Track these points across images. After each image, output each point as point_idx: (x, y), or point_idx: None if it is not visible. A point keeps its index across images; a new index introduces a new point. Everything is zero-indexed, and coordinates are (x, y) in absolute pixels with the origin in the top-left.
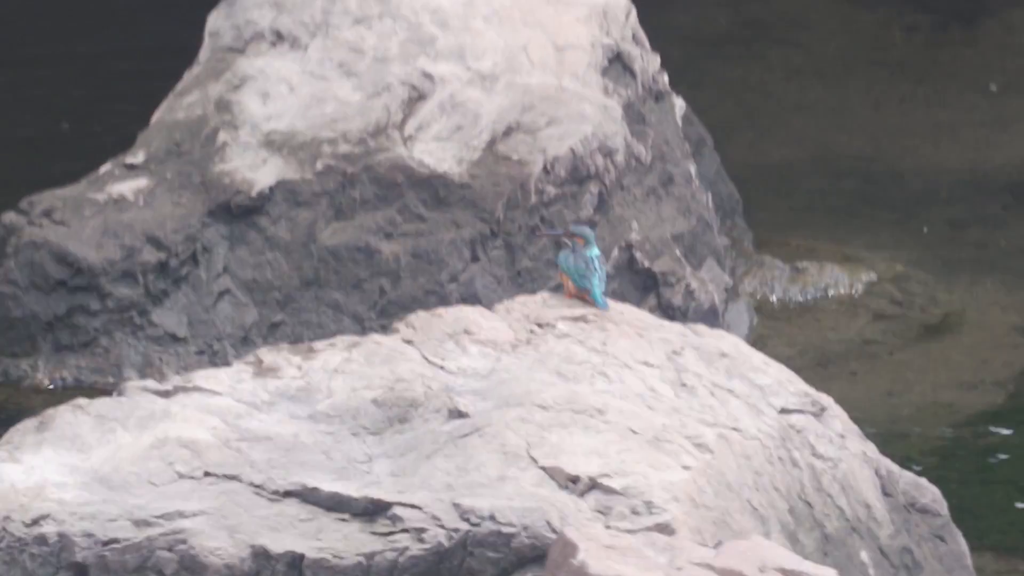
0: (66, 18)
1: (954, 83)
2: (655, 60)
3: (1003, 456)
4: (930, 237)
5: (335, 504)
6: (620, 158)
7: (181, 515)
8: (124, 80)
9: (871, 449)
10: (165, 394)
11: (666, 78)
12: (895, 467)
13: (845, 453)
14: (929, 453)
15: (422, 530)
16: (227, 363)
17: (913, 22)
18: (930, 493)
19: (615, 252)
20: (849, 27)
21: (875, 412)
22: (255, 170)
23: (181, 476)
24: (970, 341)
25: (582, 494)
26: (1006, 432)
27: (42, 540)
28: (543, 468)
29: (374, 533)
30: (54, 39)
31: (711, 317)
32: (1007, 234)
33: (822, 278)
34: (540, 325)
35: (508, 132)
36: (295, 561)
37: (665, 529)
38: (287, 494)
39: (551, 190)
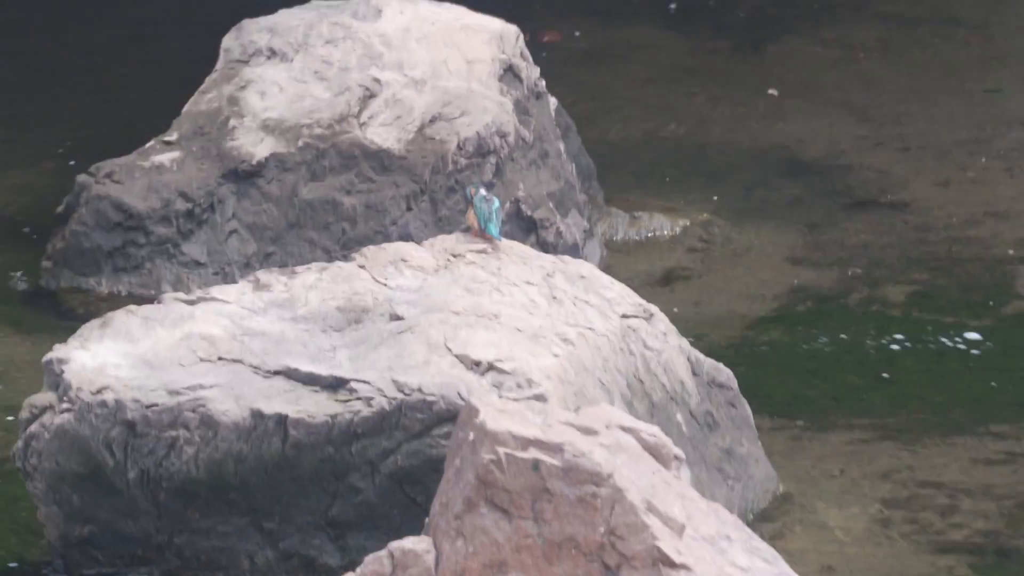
0: (119, 36)
1: (745, 88)
2: (535, 70)
3: (779, 348)
4: (727, 195)
5: (310, 380)
6: (511, 139)
7: (201, 387)
8: (163, 81)
9: (684, 343)
10: (190, 303)
11: (543, 83)
12: (701, 355)
13: (666, 346)
14: (726, 346)
15: (370, 398)
16: (234, 281)
17: (716, 45)
18: (725, 373)
19: (507, 205)
20: (673, 48)
21: (687, 317)
22: (255, 146)
23: (201, 360)
24: (754, 268)
25: (483, 374)
26: (778, 332)
27: (103, 404)
28: (456, 356)
29: (337, 400)
30: (108, 51)
31: (574, 251)
32: (782, 193)
33: (651, 223)
34: (454, 255)
35: (433, 120)
36: (281, 420)
37: (540, 398)
38: (276, 373)
39: (462, 161)
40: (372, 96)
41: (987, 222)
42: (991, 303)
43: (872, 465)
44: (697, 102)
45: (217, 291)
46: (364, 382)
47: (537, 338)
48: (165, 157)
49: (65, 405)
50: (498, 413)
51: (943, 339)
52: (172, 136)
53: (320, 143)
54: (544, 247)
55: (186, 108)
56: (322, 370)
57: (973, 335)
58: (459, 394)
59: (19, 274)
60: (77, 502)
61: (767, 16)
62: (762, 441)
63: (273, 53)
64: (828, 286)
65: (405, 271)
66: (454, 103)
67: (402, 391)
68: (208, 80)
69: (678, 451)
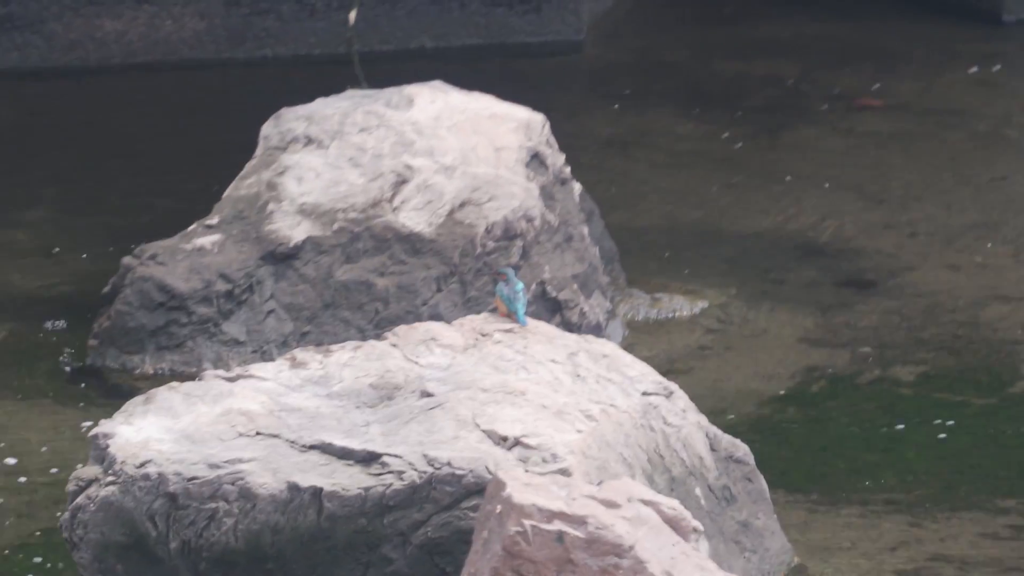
0: (160, 125)
1: (761, 175)
2: (561, 157)
3: (794, 425)
4: (744, 278)
5: (344, 454)
6: (537, 223)
7: (240, 461)
8: (204, 167)
9: (703, 420)
10: (230, 380)
11: (568, 169)
12: (719, 431)
13: (686, 422)
14: (743, 423)
15: (402, 472)
16: (272, 359)
17: (734, 133)
18: (742, 449)
19: (533, 286)
20: (693, 136)
21: (706, 395)
22: (292, 229)
23: (240, 435)
24: (769, 348)
25: (509, 448)
26: (793, 410)
27: (146, 477)
28: (484, 431)
29: (370, 474)
30: (150, 139)
31: (597, 331)
32: (796, 276)
33: (671, 305)
34: (482, 335)
35: (462, 205)
36: (317, 492)
37: (565, 473)
38: (311, 447)
39: (491, 244)
40: (404, 182)
41: (994, 305)
42: (997, 383)
43: (883, 539)
44: (715, 188)
45: (256, 369)
46: (396, 456)
47: (562, 414)
48: (206, 240)
49: (110, 478)
50: (524, 486)
51: (950, 418)
52: (213, 220)
53: (354, 227)
54: (568, 327)
55: (227, 193)
56: (356, 444)
57: (979, 414)
58: (487, 468)
59: (67, 352)
60: (121, 571)
61: (783, 105)
62: (778, 514)
63: (310, 140)
64: (840, 366)
65: (435, 350)
66: (483, 188)
67: (432, 465)
68: (248, 166)
69: (697, 524)
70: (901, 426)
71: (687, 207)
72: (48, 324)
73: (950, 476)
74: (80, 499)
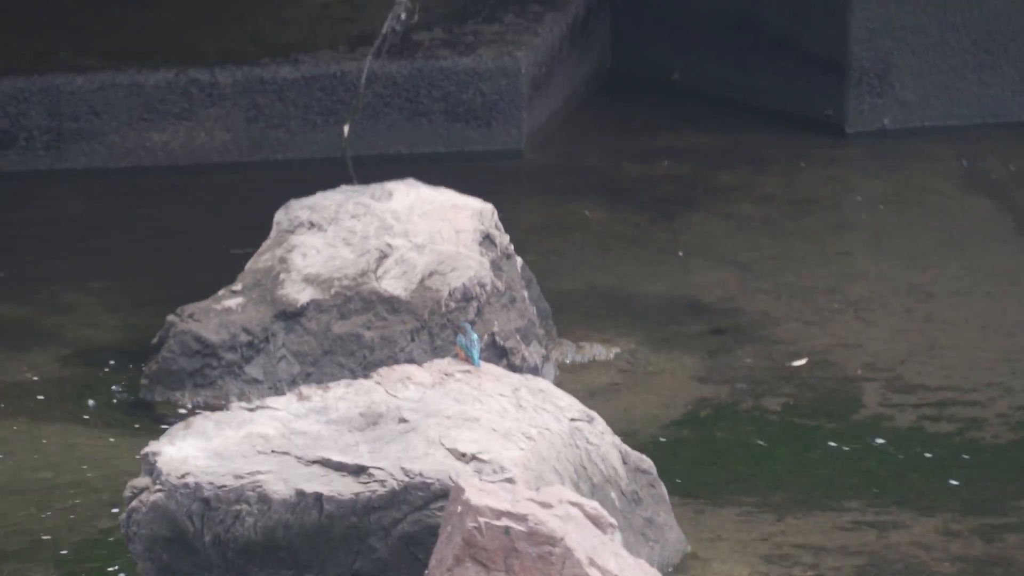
0: (188, 215)
1: (660, 250)
2: (506, 237)
3: (686, 444)
4: (647, 329)
5: (339, 467)
6: (488, 288)
7: (259, 473)
8: (228, 247)
9: (616, 440)
10: (251, 410)
11: (512, 247)
12: (629, 449)
13: (603, 442)
14: (647, 442)
15: (384, 481)
16: (283, 394)
17: (637, 219)
18: (647, 463)
19: (485, 337)
20: (607, 221)
21: (619, 420)
22: (299, 293)
23: (258, 452)
24: (668, 384)
25: (468, 463)
26: (686, 431)
27: (186, 485)
28: (448, 449)
29: (359, 482)
30: (183, 223)
31: (535, 371)
32: (687, 328)
33: (592, 351)
34: (446, 374)
35: (431, 274)
36: (318, 497)
37: (510, 481)
38: (314, 462)
39: (452, 304)
40: (385, 256)
41: (839, 350)
42: (843, 411)
43: (755, 531)
44: (624, 261)
45: (271, 401)
46: (380, 468)
47: (508, 436)
48: (232, 302)
49: (157, 487)
50: (479, 491)
51: (807, 438)
52: (237, 287)
53: (347, 291)
54: (513, 368)
55: (248, 266)
56: (348, 460)
57: (830, 435)
58: (450, 477)
59: (124, 389)
60: (166, 559)
61: (676, 197)
62: (675, 513)
63: (312, 225)
64: (722, 398)
65: (410, 386)
66: (446, 262)
67: (408, 475)
68: (264, 245)
69: (613, 520)
70: (770, 443)
71: (603, 276)
72: (108, 368)
73: (807, 483)
74: (134, 503)
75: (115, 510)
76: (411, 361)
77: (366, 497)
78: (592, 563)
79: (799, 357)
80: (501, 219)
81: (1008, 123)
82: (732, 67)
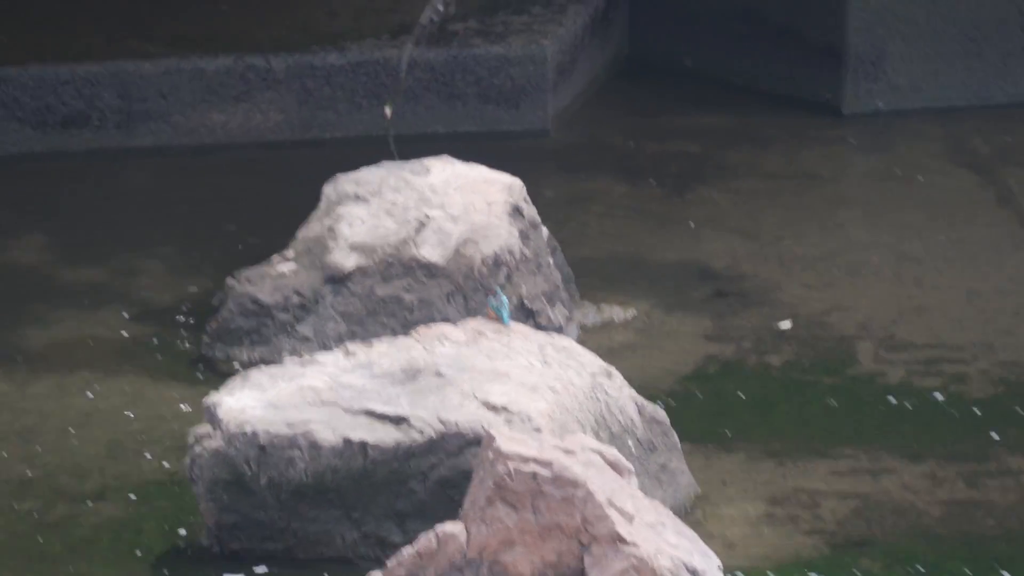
0: (247, 189)
1: (673, 222)
2: (533, 209)
3: (696, 396)
4: (661, 293)
5: (382, 417)
6: (517, 256)
7: (310, 422)
8: (285, 216)
9: (633, 393)
10: (302, 365)
11: (539, 218)
12: (645, 401)
13: (621, 395)
14: (661, 395)
15: (422, 430)
16: (331, 351)
17: (652, 193)
18: (660, 413)
19: (514, 299)
20: (625, 195)
21: (635, 375)
22: (345, 260)
23: (309, 404)
24: (679, 342)
25: (498, 413)
26: (695, 386)
27: (244, 433)
28: (480, 401)
29: (400, 431)
30: (248, 195)
31: (559, 331)
32: (697, 292)
33: (611, 313)
34: (479, 333)
35: (465, 242)
36: (363, 444)
37: (537, 430)
38: (360, 412)
39: (484, 270)
40: (424, 226)
41: (835, 313)
42: (840, 367)
43: (760, 476)
44: (640, 231)
45: (320, 357)
46: (419, 418)
47: (535, 389)
48: (285, 267)
49: (218, 433)
50: (508, 440)
51: (807, 391)
52: (290, 253)
53: (389, 258)
54: (539, 328)
55: (299, 234)
56: (390, 411)
57: (827, 390)
58: (482, 427)
59: (188, 345)
60: (226, 500)
61: (687, 173)
62: (686, 460)
63: (358, 197)
64: (729, 355)
65: (446, 344)
66: (479, 231)
67: (444, 425)
68: (313, 215)
69: (629, 466)
70: (774, 398)
71: (621, 245)
72: (174, 326)
73: (807, 433)
74: (197, 449)
75: (180, 454)
76: (447, 321)
77: (406, 445)
78: (611, 504)
79: (796, 319)
80: (528, 193)
81: (991, 105)
82: (738, 54)
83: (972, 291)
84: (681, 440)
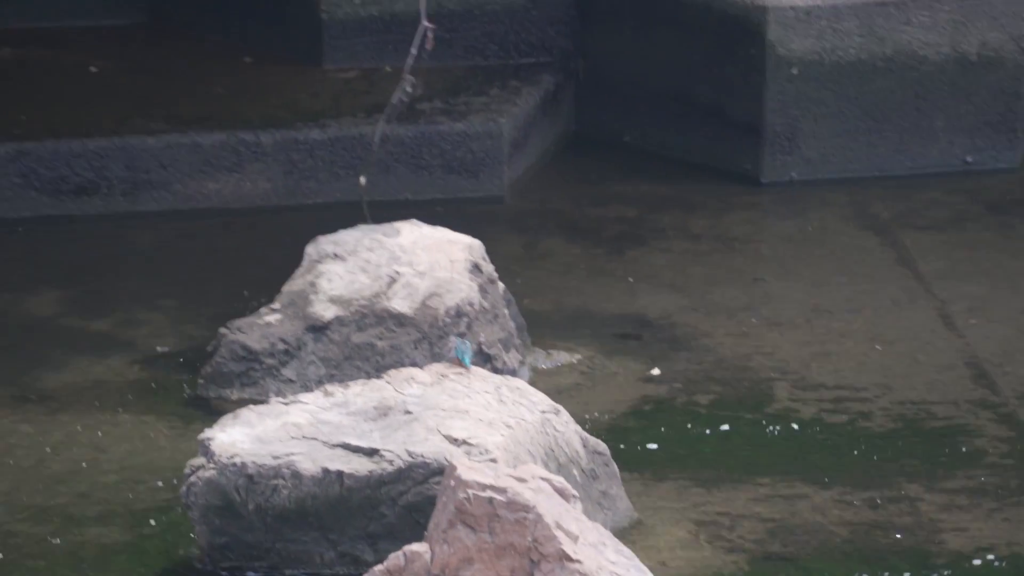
0: (235, 254)
1: (613, 278)
2: (491, 267)
3: (634, 432)
4: (603, 340)
5: (357, 450)
6: (476, 307)
7: (292, 454)
8: (270, 273)
9: (578, 428)
10: (286, 404)
11: (496, 274)
12: (588, 435)
13: (567, 429)
14: (602, 430)
15: (392, 460)
16: (312, 392)
17: (595, 252)
18: (602, 446)
19: (473, 346)
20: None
21: (579, 411)
22: (325, 311)
23: (292, 438)
24: (620, 384)
25: (459, 446)
26: (633, 422)
27: (234, 464)
28: (443, 435)
29: (373, 462)
30: (239, 254)
31: (513, 373)
32: (636, 341)
33: (559, 358)
34: (442, 376)
35: (431, 296)
36: (340, 473)
37: (493, 461)
38: (336, 445)
39: (448, 320)
40: (394, 281)
41: (756, 357)
42: (759, 405)
43: (689, 501)
44: (585, 285)
45: (302, 397)
46: (389, 451)
47: (491, 424)
48: (271, 318)
49: (211, 465)
50: (468, 469)
51: (731, 426)
52: (276, 305)
53: (364, 309)
54: (495, 371)
55: (284, 288)
56: (364, 444)
57: (747, 424)
58: (445, 458)
59: (185, 387)
60: (218, 523)
61: (626, 235)
62: (624, 488)
63: (336, 256)
64: (662, 395)
65: (413, 384)
66: (443, 286)
67: (412, 456)
68: (296, 272)
69: (574, 492)
70: (705, 432)
71: (568, 297)
72: (172, 370)
73: (730, 463)
74: (192, 478)
75: (178, 484)
76: (415, 365)
77: (378, 474)
78: (558, 526)
79: (721, 363)
80: (487, 252)
81: (891, 175)
82: (671, 131)
83: (874, 338)
84: (620, 470)
